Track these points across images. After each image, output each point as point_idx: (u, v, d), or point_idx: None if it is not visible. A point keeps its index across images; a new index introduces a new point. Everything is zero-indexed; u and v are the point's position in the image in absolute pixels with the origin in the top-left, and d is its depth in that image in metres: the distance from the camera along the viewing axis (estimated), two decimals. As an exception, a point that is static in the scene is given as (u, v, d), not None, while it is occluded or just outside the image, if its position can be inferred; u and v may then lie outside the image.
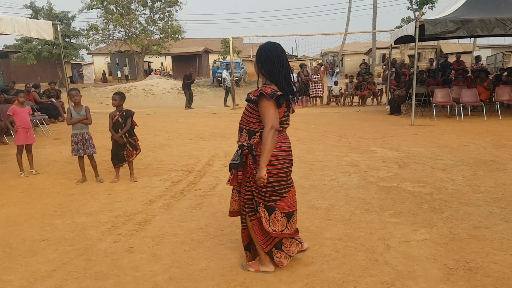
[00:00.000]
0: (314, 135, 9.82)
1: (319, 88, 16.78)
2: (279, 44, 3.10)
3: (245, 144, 3.12)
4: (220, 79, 28.22)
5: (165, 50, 32.89)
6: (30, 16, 30.58)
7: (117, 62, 39.08)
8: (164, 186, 5.91)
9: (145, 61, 36.53)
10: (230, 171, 3.23)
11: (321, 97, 17.11)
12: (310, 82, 16.82)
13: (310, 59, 34.82)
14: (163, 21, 32.02)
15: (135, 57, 33.29)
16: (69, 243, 4.02)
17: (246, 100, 3.10)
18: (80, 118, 6.07)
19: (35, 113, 11.19)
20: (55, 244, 4.00)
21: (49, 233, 4.29)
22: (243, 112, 3.20)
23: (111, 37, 31.96)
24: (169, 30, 31.35)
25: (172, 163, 7.30)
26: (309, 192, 5.40)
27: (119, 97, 6.06)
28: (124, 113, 6.05)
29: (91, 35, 30.77)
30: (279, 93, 2.95)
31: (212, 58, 40.41)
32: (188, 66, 35.22)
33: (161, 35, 32.05)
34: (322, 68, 17.86)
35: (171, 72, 39.83)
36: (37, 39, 31.12)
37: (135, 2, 31.36)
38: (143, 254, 3.74)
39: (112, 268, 3.49)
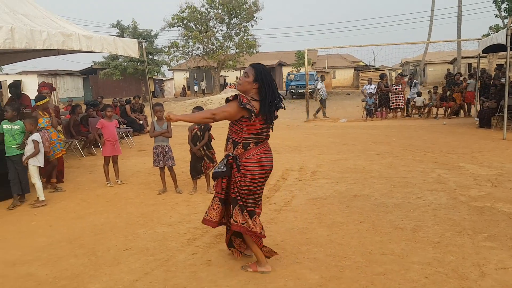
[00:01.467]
0: (395, 149, 9.36)
1: (400, 99, 16.05)
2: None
3: (230, 154, 3.42)
4: (294, 91, 28.21)
5: (241, 64, 33.68)
6: (116, 34, 32.93)
7: (195, 77, 40.72)
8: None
9: (221, 76, 37.68)
10: (214, 179, 3.55)
11: (402, 109, 16.34)
12: (390, 93, 16.15)
13: (389, 69, 33.62)
14: (239, 36, 32.88)
15: (212, 72, 34.49)
16: (150, 253, 4.12)
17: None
18: (161, 131, 6.31)
19: (121, 126, 11.90)
20: (138, 253, 4.13)
21: (132, 242, 4.45)
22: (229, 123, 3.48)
23: (190, 54, 33.45)
24: (244, 44, 32.11)
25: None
26: (392, 211, 5.10)
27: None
28: (203, 127, 6.18)
29: (172, 52, 32.44)
30: (248, 107, 3.26)
31: (285, 70, 40.65)
32: (262, 79, 35.72)
33: (237, 50, 32.89)
34: (405, 79, 16.94)
35: (245, 86, 40.59)
36: (123, 56, 33.61)
37: (213, 19, 32.59)
38: (221, 267, 3.73)
39: (191, 281, 3.50)
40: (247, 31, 32.80)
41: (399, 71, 40.52)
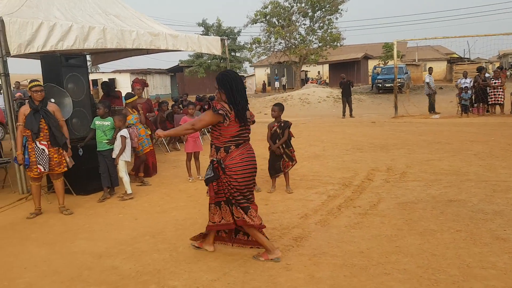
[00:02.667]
0: (495, 149, 8.43)
1: (499, 94, 14.56)
2: (235, 72, 3.89)
3: (214, 159, 3.72)
4: (380, 85, 27.01)
5: (323, 58, 33.03)
6: (202, 32, 34.05)
7: (276, 72, 40.79)
8: (320, 199, 5.66)
9: (302, 71, 37.32)
10: (207, 185, 3.82)
11: (502, 105, 14.81)
12: (488, 88, 14.71)
13: (485, 62, 30.87)
14: (323, 30, 32.25)
15: (293, 67, 34.26)
16: (229, 252, 4.05)
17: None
18: (242, 128, 6.24)
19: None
20: (216, 252, 4.07)
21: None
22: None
23: (271, 49, 33.52)
24: (328, 38, 31.42)
25: (327, 175, 7.03)
26: (493, 219, 4.52)
27: (278, 108, 6.05)
28: (282, 124, 6.01)
29: (254, 48, 32.76)
30: (221, 112, 3.57)
31: (371, 64, 39.11)
32: (345, 73, 34.75)
33: (320, 44, 32.31)
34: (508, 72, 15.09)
35: (327, 80, 39.83)
36: (207, 54, 34.63)
37: (296, 13, 32.30)
38: (300, 273, 3.53)
39: (269, 285, 3.36)
40: (331, 24, 32.04)
41: (497, 64, 37.06)
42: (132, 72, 35.15)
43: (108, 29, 7.15)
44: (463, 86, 15.05)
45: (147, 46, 7.89)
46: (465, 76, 15.69)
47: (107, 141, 6.28)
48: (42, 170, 5.42)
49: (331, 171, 7.24)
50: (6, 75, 6.25)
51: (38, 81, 5.53)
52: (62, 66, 6.37)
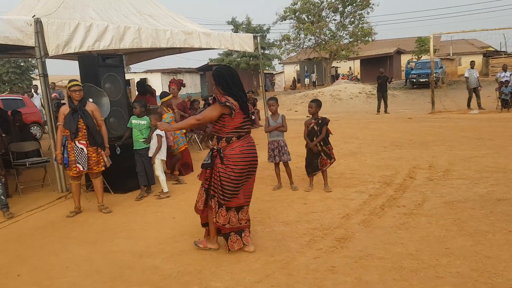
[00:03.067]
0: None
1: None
2: (230, 67, 3.95)
3: (215, 147, 3.81)
4: (415, 80, 26.29)
5: (354, 54, 32.45)
6: (231, 31, 34.09)
7: (306, 69, 40.43)
8: (361, 198, 5.49)
9: (333, 67, 36.82)
10: (202, 169, 3.92)
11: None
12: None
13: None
14: (354, 25, 31.70)
15: (323, 63, 33.84)
16: (270, 253, 3.95)
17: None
18: (276, 125, 6.13)
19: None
20: (257, 252, 3.98)
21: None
22: None
23: (301, 46, 33.20)
24: (359, 33, 30.85)
25: (367, 173, 6.82)
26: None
27: (316, 104, 5.91)
28: (320, 121, 5.86)
29: (283, 45, 32.53)
30: (228, 104, 3.64)
31: (404, 58, 38.14)
32: (377, 68, 34.00)
33: (351, 39, 31.77)
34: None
35: (358, 76, 39.17)
36: (237, 52, 34.77)
37: (326, 9, 31.86)
38: (347, 276, 3.39)
39: (314, 289, 3.24)
40: (362, 18, 31.43)
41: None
42: (163, 72, 35.58)
43: (143, 29, 7.18)
44: (503, 80, 14.44)
45: (181, 45, 7.89)
46: (504, 69, 15.05)
47: (143, 140, 6.30)
48: (81, 169, 5.47)
49: (370, 169, 7.03)
50: (45, 75, 6.36)
51: (77, 81, 5.59)
52: (100, 66, 6.43)
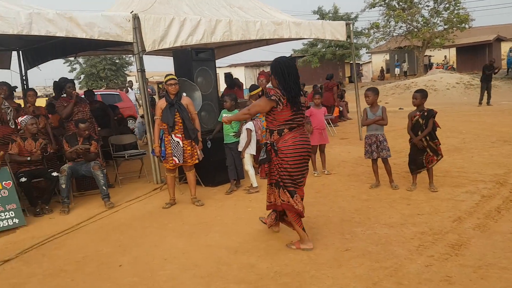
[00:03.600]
0: None
1: None
2: (289, 58, 3.96)
3: (268, 141, 3.85)
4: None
5: (450, 41, 30.10)
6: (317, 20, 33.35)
7: (396, 58, 38.40)
8: (472, 200, 4.91)
9: (426, 55, 34.53)
10: (259, 165, 4.01)
11: None
12: None
13: None
14: (449, 11, 29.38)
15: (415, 52, 31.87)
16: (374, 258, 3.62)
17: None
18: (375, 118, 5.70)
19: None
20: (359, 256, 3.68)
21: (351, 242, 4.02)
22: None
23: (391, 34, 31.56)
24: (455, 20, 28.53)
25: (475, 171, 6.14)
26: None
27: (421, 95, 5.41)
28: (426, 113, 5.33)
29: (372, 34, 31.15)
30: (273, 98, 3.72)
31: (505, 46, 34.61)
32: (475, 57, 31.29)
33: (446, 26, 29.50)
34: None
35: (454, 65, 36.33)
36: (322, 42, 33.99)
37: (418, -6, 29.91)
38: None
39: (430, 303, 2.87)
40: (458, 4, 28.99)
41: None
42: (247, 65, 36.01)
43: (234, 21, 7.11)
44: None
45: (270, 36, 7.72)
46: None
47: (233, 134, 6.23)
48: (177, 161, 5.53)
49: (478, 167, 6.33)
50: (142, 71, 6.54)
51: (173, 75, 5.65)
52: (193, 61, 6.47)
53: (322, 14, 34.76)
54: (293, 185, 3.85)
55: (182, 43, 6.64)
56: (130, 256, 4.09)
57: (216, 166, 6.53)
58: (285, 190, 3.84)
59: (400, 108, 15.43)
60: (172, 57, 6.94)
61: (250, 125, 6.16)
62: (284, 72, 3.79)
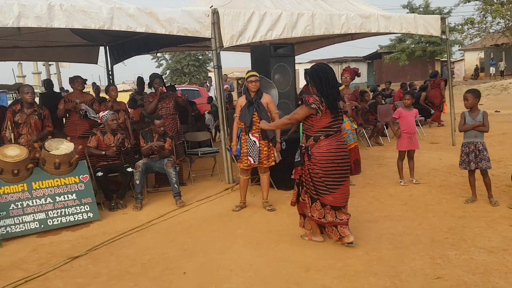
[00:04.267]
0: None
1: None
2: (326, 65, 3.99)
3: (303, 145, 3.94)
4: None
5: (557, 38, 26.80)
6: (406, 15, 31.40)
7: (492, 56, 35.15)
8: None
9: (527, 54, 31.16)
10: (294, 167, 4.06)
11: None
12: None
13: None
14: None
15: (515, 50, 28.86)
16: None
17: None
18: (475, 124, 4.97)
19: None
20: (453, 286, 3.10)
21: (443, 268, 3.46)
22: None
23: (487, 30, 28.84)
24: None
25: None
26: None
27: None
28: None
29: (466, 30, 28.71)
30: (313, 106, 3.74)
31: None
32: None
33: (552, 21, 26.30)
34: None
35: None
36: (411, 37, 32.01)
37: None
38: None
39: None
40: None
41: None
42: (328, 61, 35.08)
43: (317, 15, 6.68)
44: None
45: (356, 30, 7.16)
46: None
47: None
48: (252, 162, 5.28)
49: None
50: (219, 67, 6.36)
51: (255, 71, 5.39)
52: (271, 56, 6.16)
53: (412, 9, 32.73)
54: (323, 190, 3.86)
55: (261, 38, 6.37)
56: (195, 263, 3.88)
57: (291, 169, 6.14)
58: (306, 195, 3.97)
59: (496, 111, 13.94)
60: (250, 53, 6.69)
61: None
62: (321, 79, 3.80)
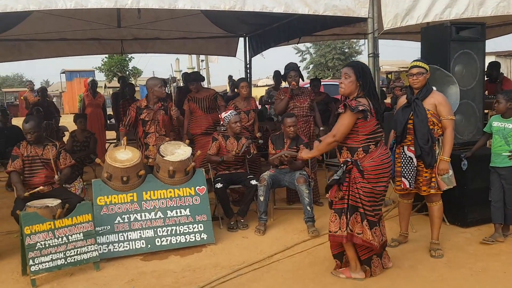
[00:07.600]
0: None
1: None
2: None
3: (348, 160, 3.24)
4: None
5: None
6: None
7: None
8: None
9: None
10: (331, 186, 3.37)
11: None
12: None
13: None
14: None
15: None
16: None
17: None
18: None
19: None
20: None
21: None
22: None
23: None
24: None
25: None
26: None
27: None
28: None
29: None
30: (361, 108, 3.14)
31: None
32: None
33: None
34: None
35: None
36: None
37: None
38: None
39: None
40: None
41: None
42: (498, 54, 30.01)
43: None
44: None
45: None
46: None
47: (509, 154, 4.00)
48: (407, 185, 3.83)
49: None
50: (376, 55, 4.88)
51: (421, 61, 3.87)
52: (451, 40, 4.47)
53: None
54: (376, 211, 3.28)
55: (436, 18, 4.72)
56: None
57: (473, 198, 4.41)
58: (364, 221, 3.21)
59: None
60: (412, 40, 5.09)
61: None
62: (369, 77, 3.31)
